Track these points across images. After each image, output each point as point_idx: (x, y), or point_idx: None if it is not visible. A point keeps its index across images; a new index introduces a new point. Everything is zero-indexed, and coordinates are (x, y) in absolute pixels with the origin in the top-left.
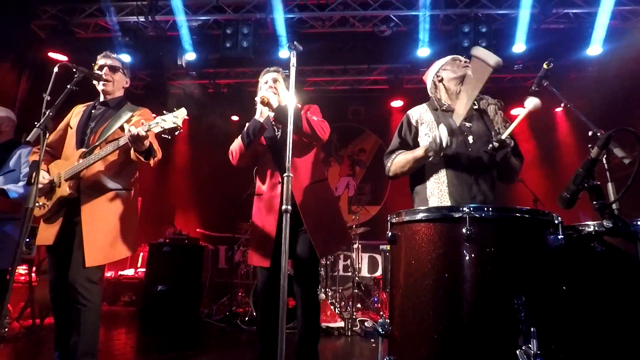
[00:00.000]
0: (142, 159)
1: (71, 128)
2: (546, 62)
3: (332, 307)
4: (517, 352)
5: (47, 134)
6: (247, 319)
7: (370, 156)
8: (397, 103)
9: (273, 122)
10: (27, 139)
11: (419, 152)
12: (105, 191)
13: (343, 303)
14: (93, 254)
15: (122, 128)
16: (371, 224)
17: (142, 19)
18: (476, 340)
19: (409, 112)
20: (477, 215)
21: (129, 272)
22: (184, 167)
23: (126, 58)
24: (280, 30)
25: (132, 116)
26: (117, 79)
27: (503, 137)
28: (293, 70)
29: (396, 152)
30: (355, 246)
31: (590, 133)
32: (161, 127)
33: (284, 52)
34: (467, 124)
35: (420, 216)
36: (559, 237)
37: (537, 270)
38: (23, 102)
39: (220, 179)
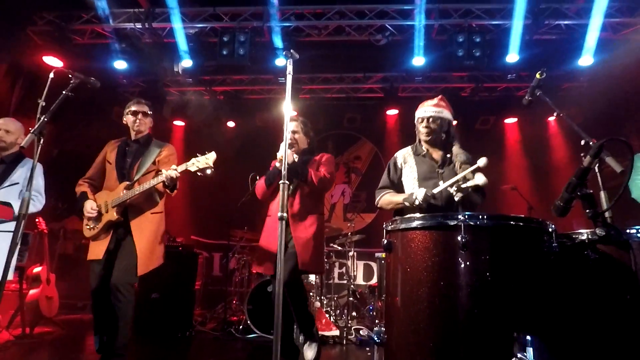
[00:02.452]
0: (169, 191)
1: (109, 163)
2: (539, 72)
3: (327, 316)
4: None
5: (42, 140)
6: (241, 327)
7: (365, 164)
8: (392, 111)
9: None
10: (21, 145)
11: (399, 199)
12: (145, 213)
13: (338, 311)
14: (142, 263)
15: (154, 162)
16: (366, 232)
17: (139, 25)
18: (472, 348)
19: (395, 154)
20: (472, 223)
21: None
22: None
23: (122, 64)
24: (276, 40)
25: (160, 152)
26: (147, 122)
27: (463, 186)
28: (289, 78)
29: (385, 190)
30: (350, 254)
31: (582, 142)
32: (197, 167)
33: (280, 60)
34: (440, 170)
35: (415, 224)
36: (553, 244)
37: (531, 278)
38: (17, 109)
39: (215, 186)
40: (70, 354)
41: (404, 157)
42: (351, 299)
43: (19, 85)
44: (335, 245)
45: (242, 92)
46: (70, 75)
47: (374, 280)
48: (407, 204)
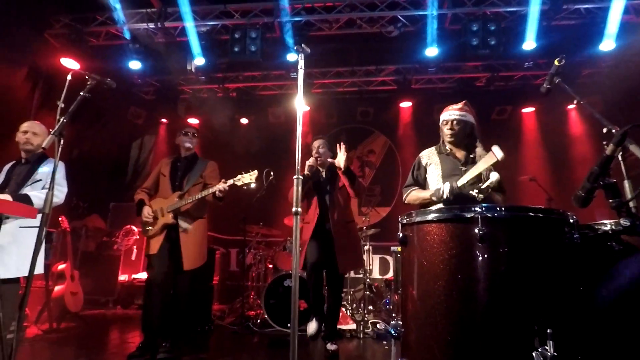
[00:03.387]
0: (218, 201)
1: (164, 176)
2: (557, 59)
3: (343, 309)
4: (534, 354)
5: (62, 141)
6: (258, 321)
7: (379, 157)
8: (406, 104)
9: (321, 172)
10: (43, 146)
11: (426, 195)
12: (194, 218)
13: (355, 305)
14: (189, 262)
15: (201, 176)
16: (382, 225)
17: (151, 25)
18: (491, 342)
19: (420, 154)
20: (489, 215)
21: (143, 275)
22: None
23: (137, 65)
24: (287, 35)
25: (205, 167)
26: (195, 142)
27: (483, 187)
28: (301, 73)
29: (411, 188)
30: (366, 248)
31: (604, 130)
32: (242, 182)
33: (291, 55)
34: (464, 168)
35: (431, 217)
36: (575, 236)
37: (552, 271)
38: (38, 111)
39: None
40: (96, 348)
41: (429, 155)
42: (367, 292)
43: (39, 88)
44: None
45: (254, 89)
46: (87, 77)
47: (390, 274)
48: (434, 198)
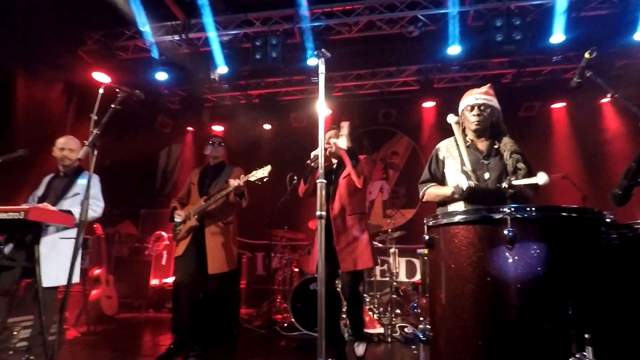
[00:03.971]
0: (238, 199)
1: (193, 184)
2: (588, 52)
3: (370, 313)
4: None
5: (96, 151)
6: (285, 325)
7: (403, 159)
8: (428, 104)
9: (333, 164)
10: (78, 157)
11: (447, 192)
12: (219, 221)
13: (382, 309)
14: (214, 265)
15: (226, 181)
16: (407, 228)
17: (176, 37)
18: (525, 348)
19: (437, 146)
20: (519, 216)
21: (172, 279)
22: None
23: (163, 76)
24: (307, 40)
25: (231, 172)
26: (221, 150)
27: (515, 183)
28: (322, 77)
29: (428, 184)
30: (391, 251)
31: None
32: (256, 177)
33: (312, 60)
34: (486, 161)
35: (458, 218)
36: (612, 236)
37: (588, 273)
38: (73, 124)
39: (254, 187)
40: (130, 350)
41: (447, 147)
42: (394, 296)
43: (73, 101)
44: (376, 242)
45: (276, 94)
46: (117, 90)
47: (417, 277)
48: (457, 195)
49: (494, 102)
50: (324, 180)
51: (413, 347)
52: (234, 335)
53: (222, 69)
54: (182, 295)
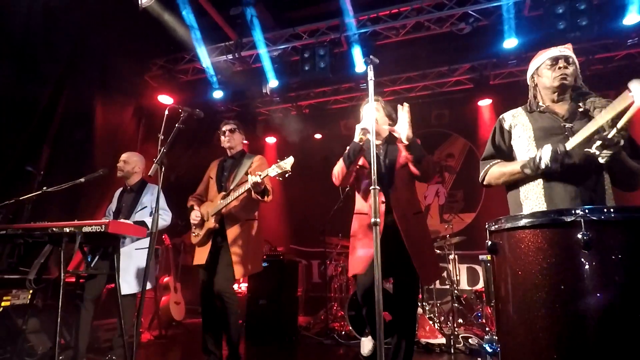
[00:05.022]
0: (259, 197)
1: (211, 178)
2: None
3: (430, 322)
4: None
5: (163, 168)
6: (343, 333)
7: (459, 161)
8: (485, 102)
9: (380, 146)
10: (149, 174)
11: (515, 167)
12: (241, 220)
13: (442, 318)
14: (239, 269)
15: (247, 173)
16: (467, 233)
17: (230, 56)
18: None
19: (501, 116)
20: (594, 218)
21: (234, 287)
22: (274, 186)
23: (219, 94)
24: (355, 48)
25: (251, 163)
26: (236, 137)
27: (609, 135)
28: (371, 84)
29: (491, 162)
30: (451, 257)
31: None
32: (276, 172)
33: (360, 67)
34: (568, 124)
35: (523, 222)
36: None
37: None
38: (143, 143)
39: (308, 195)
40: (198, 353)
41: (514, 115)
42: (456, 304)
43: (142, 123)
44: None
45: (326, 104)
46: (180, 110)
47: (480, 285)
48: (527, 171)
49: (576, 59)
50: (378, 187)
51: (479, 358)
52: (293, 342)
53: (273, 82)
54: (209, 308)
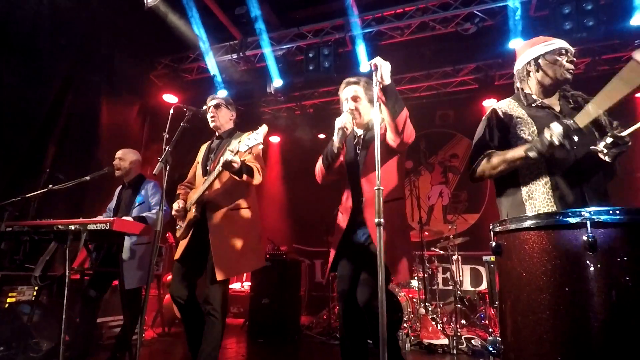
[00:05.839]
0: (237, 178)
1: (198, 162)
2: None
3: (433, 323)
4: None
5: (168, 167)
6: None
7: (463, 161)
8: (489, 102)
9: (355, 144)
10: (153, 172)
11: (517, 152)
12: (224, 209)
13: (445, 319)
14: (221, 269)
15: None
16: (470, 234)
17: (234, 56)
18: None
19: (495, 107)
20: (600, 220)
21: (236, 285)
22: (279, 185)
23: (223, 93)
24: (359, 48)
25: (239, 142)
26: (222, 114)
27: (624, 134)
28: (376, 90)
29: (484, 152)
30: (454, 258)
31: None
32: (247, 146)
33: (364, 66)
34: (567, 121)
35: (528, 224)
36: None
37: None
38: (147, 142)
39: (311, 195)
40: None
41: (510, 108)
42: (459, 305)
43: (147, 121)
44: (437, 250)
45: (330, 104)
46: (185, 109)
47: (484, 286)
48: (533, 154)
49: None
50: (382, 187)
51: None
52: (295, 341)
53: (277, 82)
54: (188, 316)
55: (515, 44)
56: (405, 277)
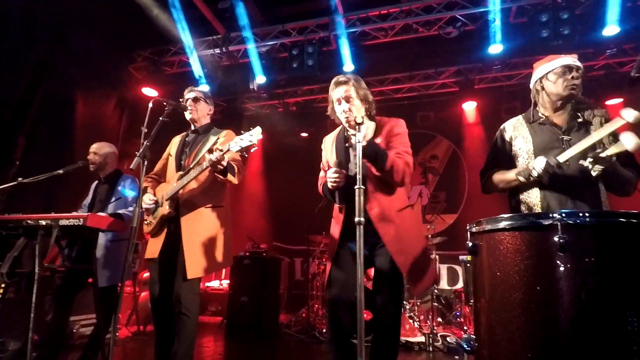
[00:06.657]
0: (220, 176)
1: (171, 156)
2: None
3: (410, 321)
4: None
5: (146, 162)
6: (324, 331)
7: (443, 163)
8: (469, 105)
9: (347, 146)
10: (130, 167)
11: (511, 176)
12: (199, 207)
13: (422, 317)
14: (193, 267)
15: (210, 151)
16: (448, 233)
17: (217, 50)
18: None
19: (502, 126)
20: (570, 222)
21: (214, 283)
22: (259, 183)
23: (205, 88)
24: (343, 47)
25: (217, 138)
26: (200, 108)
27: (603, 155)
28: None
29: (490, 171)
30: (432, 257)
31: None
32: (239, 147)
33: (348, 66)
34: (566, 137)
35: (503, 224)
36: None
37: None
38: (125, 136)
39: (292, 193)
40: None
41: (515, 127)
42: (435, 304)
43: (125, 115)
44: None
45: (313, 102)
46: (165, 103)
47: (460, 285)
48: (521, 179)
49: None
50: (363, 187)
51: (456, 357)
52: (274, 339)
53: (260, 78)
54: (159, 314)
55: (495, 49)
56: (429, 285)
